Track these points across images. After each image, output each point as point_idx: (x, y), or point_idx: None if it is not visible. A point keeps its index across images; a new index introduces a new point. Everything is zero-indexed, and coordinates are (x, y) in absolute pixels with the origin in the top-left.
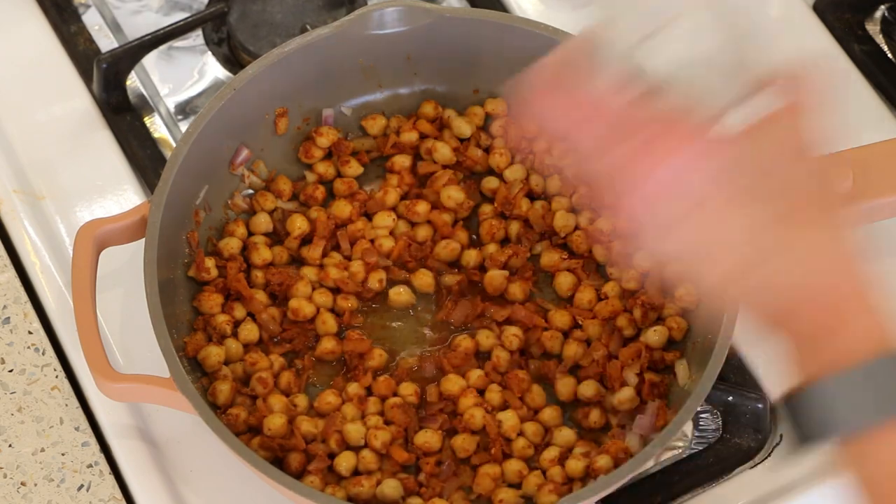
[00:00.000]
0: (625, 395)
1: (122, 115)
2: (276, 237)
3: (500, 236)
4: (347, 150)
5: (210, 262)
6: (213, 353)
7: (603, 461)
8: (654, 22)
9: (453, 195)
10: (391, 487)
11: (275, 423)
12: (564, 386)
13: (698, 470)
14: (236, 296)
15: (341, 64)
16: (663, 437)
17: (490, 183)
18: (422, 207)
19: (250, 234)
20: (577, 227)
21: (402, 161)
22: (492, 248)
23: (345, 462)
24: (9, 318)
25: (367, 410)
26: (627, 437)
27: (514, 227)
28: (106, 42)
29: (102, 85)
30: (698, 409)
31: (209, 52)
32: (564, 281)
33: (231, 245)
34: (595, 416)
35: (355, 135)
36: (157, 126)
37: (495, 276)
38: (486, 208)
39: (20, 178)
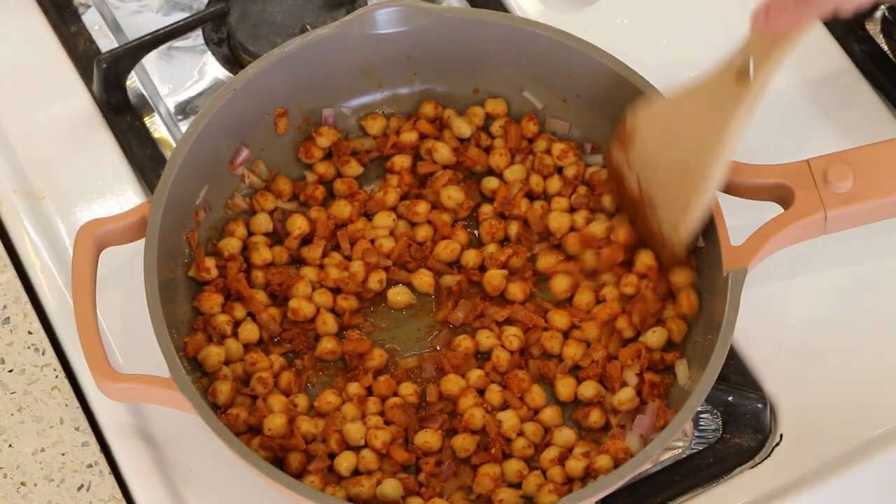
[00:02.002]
0: (625, 396)
1: (122, 115)
2: (276, 237)
3: (500, 236)
4: (347, 150)
5: (210, 262)
6: (213, 353)
7: (603, 461)
8: None
9: (453, 195)
10: (391, 487)
11: (275, 423)
12: (564, 386)
13: (698, 470)
14: (236, 296)
15: (341, 64)
16: (663, 437)
17: (490, 183)
18: (422, 207)
19: (250, 234)
20: (572, 229)
21: (402, 161)
22: (492, 248)
23: (345, 462)
24: (9, 318)
25: (367, 410)
26: (627, 438)
27: (514, 228)
28: (106, 42)
29: (102, 85)
30: (698, 409)
31: (209, 52)
32: (560, 283)
33: (231, 245)
34: (595, 417)
35: (355, 135)
36: (157, 126)
37: (495, 276)
38: (486, 208)
39: (20, 178)
